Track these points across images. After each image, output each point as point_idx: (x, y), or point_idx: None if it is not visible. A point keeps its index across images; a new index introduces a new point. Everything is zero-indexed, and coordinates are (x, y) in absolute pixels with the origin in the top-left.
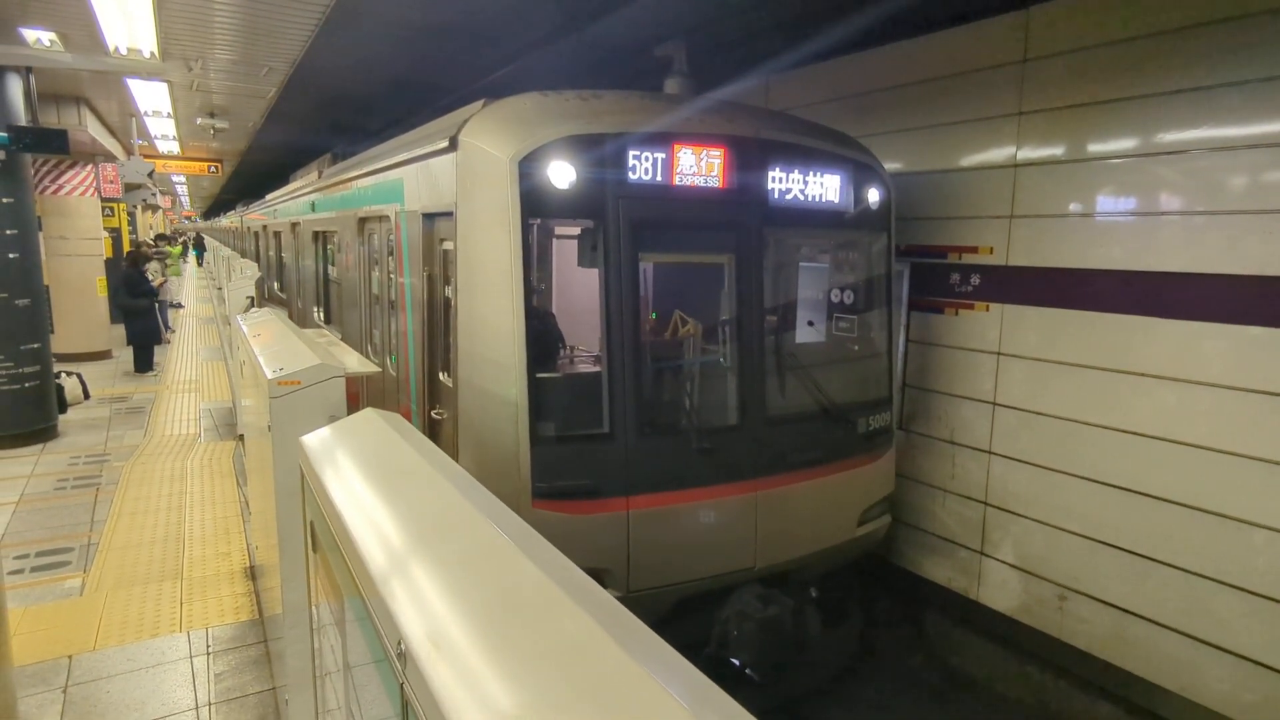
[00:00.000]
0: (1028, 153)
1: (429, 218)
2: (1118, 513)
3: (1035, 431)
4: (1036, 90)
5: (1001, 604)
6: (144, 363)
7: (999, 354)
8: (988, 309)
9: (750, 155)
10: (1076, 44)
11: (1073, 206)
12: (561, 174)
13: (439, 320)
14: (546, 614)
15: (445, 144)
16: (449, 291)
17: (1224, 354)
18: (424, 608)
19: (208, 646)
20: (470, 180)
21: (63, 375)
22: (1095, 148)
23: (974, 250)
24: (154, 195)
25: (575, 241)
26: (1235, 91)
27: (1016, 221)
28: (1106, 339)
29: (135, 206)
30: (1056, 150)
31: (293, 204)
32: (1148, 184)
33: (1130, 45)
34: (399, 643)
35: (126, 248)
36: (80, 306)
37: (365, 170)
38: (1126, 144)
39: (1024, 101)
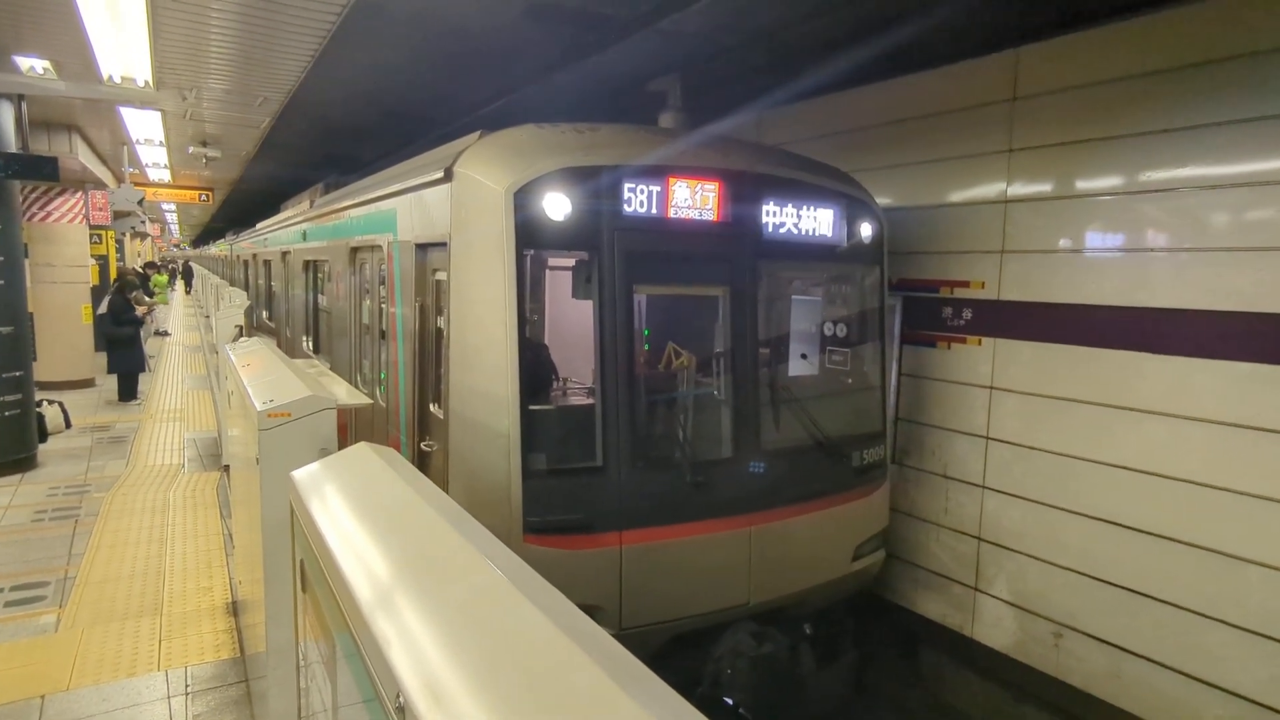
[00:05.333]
0: (1018, 189)
1: (422, 248)
2: (1112, 548)
3: (1028, 466)
4: (1026, 128)
5: (996, 641)
6: (128, 391)
7: (991, 388)
8: (980, 343)
9: (744, 189)
10: (1064, 84)
11: (1063, 242)
12: (557, 206)
13: (431, 351)
14: (552, 663)
15: (440, 175)
16: (441, 322)
17: (1214, 389)
18: (423, 658)
19: (186, 686)
20: (465, 211)
21: (44, 404)
22: (1084, 185)
23: (966, 285)
24: (143, 223)
25: (570, 273)
26: (1220, 131)
27: (1008, 256)
28: (1098, 374)
29: (124, 234)
30: (1046, 187)
31: (284, 233)
32: (1136, 221)
33: (1117, 85)
34: (397, 695)
35: (114, 275)
36: (64, 334)
37: (358, 200)
38: (1114, 181)
39: (1014, 139)
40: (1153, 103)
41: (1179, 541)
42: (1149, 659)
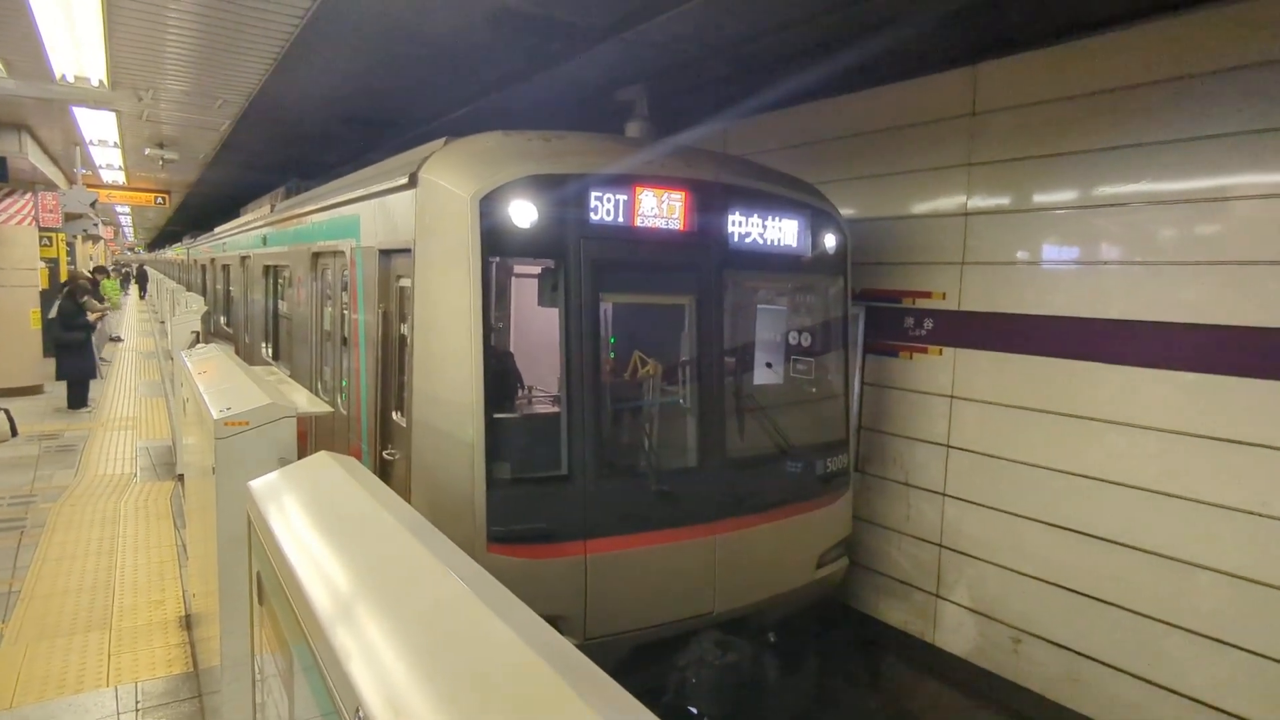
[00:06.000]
0: (978, 202)
1: (386, 254)
2: (1069, 555)
3: (988, 474)
4: (985, 142)
5: (957, 647)
6: (78, 399)
7: (952, 397)
8: (940, 353)
9: (710, 199)
10: (1021, 100)
11: (1020, 254)
12: (523, 213)
13: (393, 358)
14: (516, 674)
15: (405, 180)
16: (405, 329)
17: (1164, 399)
18: (384, 670)
19: (137, 702)
20: (430, 217)
21: None
22: (1041, 198)
23: (927, 295)
24: (95, 225)
25: (535, 281)
26: (1169, 149)
27: (968, 268)
28: (1055, 383)
29: (75, 237)
30: (1004, 200)
31: (243, 237)
32: (1090, 234)
33: (1071, 103)
34: (357, 709)
35: (64, 278)
36: (11, 339)
37: (320, 205)
38: (1069, 196)
39: (973, 153)
40: (1104, 120)
41: (1134, 548)
42: (1106, 664)
